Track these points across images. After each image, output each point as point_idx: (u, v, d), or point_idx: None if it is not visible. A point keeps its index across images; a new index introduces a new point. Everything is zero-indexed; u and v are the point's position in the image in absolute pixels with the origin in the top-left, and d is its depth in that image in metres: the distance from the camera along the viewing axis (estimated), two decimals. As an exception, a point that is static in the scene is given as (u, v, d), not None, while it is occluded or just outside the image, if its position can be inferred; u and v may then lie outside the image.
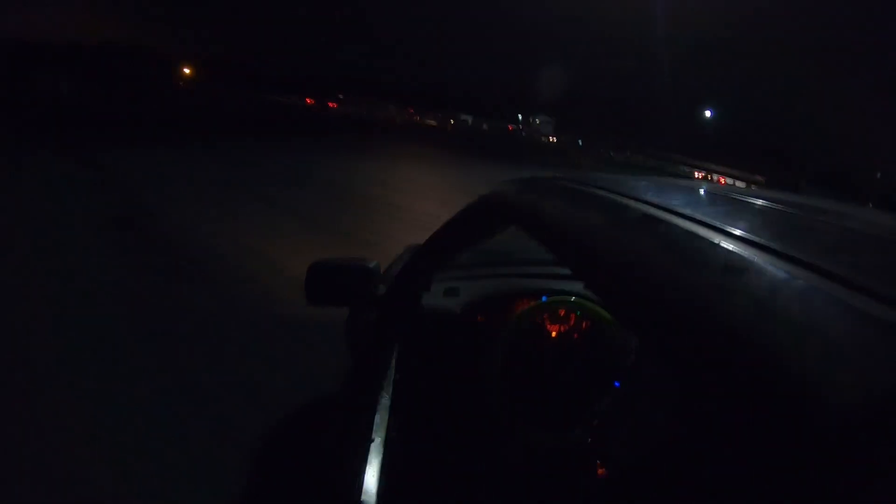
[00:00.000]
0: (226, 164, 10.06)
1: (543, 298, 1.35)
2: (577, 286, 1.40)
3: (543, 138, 51.31)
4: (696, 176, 40.29)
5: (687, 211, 0.92)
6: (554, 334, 1.32)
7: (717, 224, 0.76)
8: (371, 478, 1.16)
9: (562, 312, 1.32)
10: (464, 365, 1.34)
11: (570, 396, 1.19)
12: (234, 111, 30.18)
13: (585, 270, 0.82)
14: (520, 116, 56.25)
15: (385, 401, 1.32)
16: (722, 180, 40.24)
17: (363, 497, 1.17)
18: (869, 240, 0.71)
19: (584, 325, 1.30)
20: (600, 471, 1.10)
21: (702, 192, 1.32)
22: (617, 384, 1.15)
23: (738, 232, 0.69)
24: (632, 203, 0.92)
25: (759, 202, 1.03)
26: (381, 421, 1.26)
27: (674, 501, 0.66)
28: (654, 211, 0.88)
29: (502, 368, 1.26)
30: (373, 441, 1.25)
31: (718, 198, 1.20)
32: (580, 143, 48.75)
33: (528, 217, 1.08)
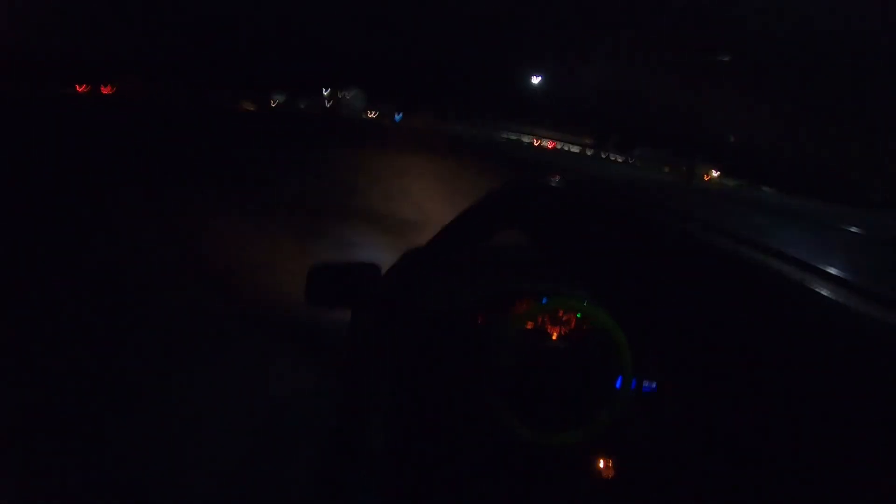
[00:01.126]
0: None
1: (544, 300, 1.39)
2: (578, 288, 1.47)
3: (363, 114, 49.89)
4: (528, 142, 41.68)
5: (697, 214, 0.97)
6: (554, 336, 1.38)
7: (728, 228, 0.83)
8: (371, 477, 1.28)
9: (562, 314, 1.37)
10: (463, 367, 1.39)
11: (570, 398, 1.25)
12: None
13: (590, 274, 0.94)
14: (326, 91, 53.56)
15: (385, 402, 1.45)
16: (551, 144, 43.47)
17: (364, 495, 1.28)
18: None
19: (584, 326, 1.35)
20: (601, 472, 1.17)
21: (712, 194, 1.42)
22: (618, 386, 1.20)
23: (746, 234, 0.78)
24: (638, 207, 1.00)
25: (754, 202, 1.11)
26: (381, 422, 1.39)
27: (675, 502, 0.69)
28: (663, 215, 0.94)
29: (502, 370, 1.31)
30: (374, 441, 1.36)
31: (725, 199, 1.27)
32: (398, 117, 48.41)
33: (530, 219, 1.20)
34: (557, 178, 1.24)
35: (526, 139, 41.36)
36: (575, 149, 41.22)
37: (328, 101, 51.26)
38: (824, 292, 0.60)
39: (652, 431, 1.10)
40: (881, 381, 0.48)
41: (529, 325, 1.36)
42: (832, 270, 0.64)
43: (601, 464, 1.15)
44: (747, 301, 0.63)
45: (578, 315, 1.34)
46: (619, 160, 38.63)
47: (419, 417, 1.35)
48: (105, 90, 49.59)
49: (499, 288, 1.55)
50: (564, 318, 1.36)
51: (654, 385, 1.19)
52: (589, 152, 40.47)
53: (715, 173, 38.47)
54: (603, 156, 39.26)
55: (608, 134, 40.21)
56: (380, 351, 1.59)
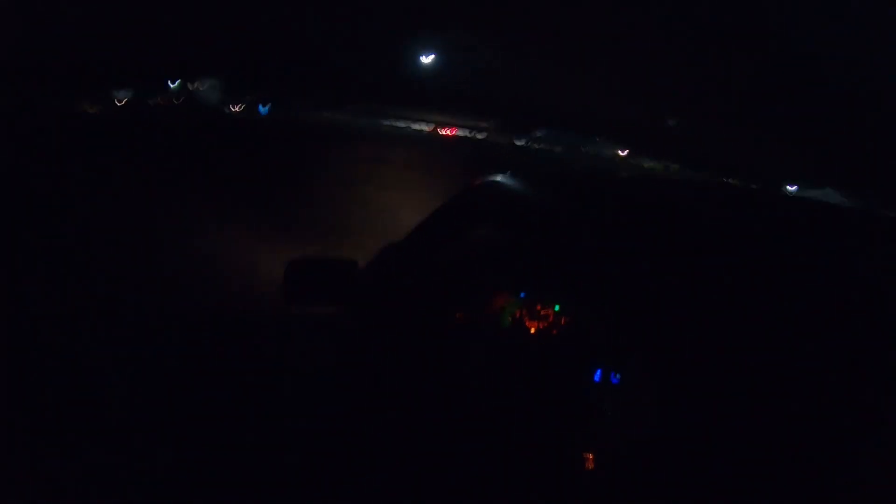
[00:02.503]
0: None
1: (521, 294, 1.36)
2: (556, 281, 1.34)
3: (226, 108, 43.00)
4: (421, 129, 37.35)
5: (673, 204, 1.09)
6: (532, 330, 1.33)
7: (703, 216, 0.91)
8: (357, 475, 1.28)
9: (539, 308, 1.33)
10: (442, 363, 1.38)
11: (550, 391, 1.20)
12: None
13: (567, 267, 0.96)
14: (173, 84, 45.72)
15: (366, 399, 1.45)
16: (451, 131, 39.04)
17: (351, 496, 1.27)
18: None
19: (562, 320, 1.31)
20: (581, 465, 1.10)
21: (686, 186, 1.55)
22: (597, 378, 1.15)
23: (720, 223, 0.86)
24: (613, 200, 1.07)
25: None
26: (365, 419, 1.39)
27: (659, 497, 0.67)
28: (638, 206, 1.02)
29: (482, 365, 1.30)
30: (359, 438, 1.37)
31: (695, 187, 1.41)
32: (263, 109, 41.86)
33: (506, 213, 1.19)
34: (532, 174, 1.31)
35: (418, 126, 37.16)
36: (480, 135, 37.59)
37: (177, 97, 43.75)
38: (805, 282, 0.67)
39: (632, 424, 1.07)
40: (867, 381, 0.53)
41: (508, 320, 1.37)
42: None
43: (580, 457, 1.12)
44: (726, 291, 0.68)
45: (556, 308, 1.32)
46: (520, 143, 35.75)
47: (399, 414, 1.35)
48: None
49: (476, 283, 1.52)
50: (542, 312, 1.34)
51: (635, 378, 1.13)
52: (481, 136, 36.86)
53: (622, 153, 37.05)
54: (505, 141, 36.20)
55: (508, 116, 36.99)
56: (359, 348, 1.67)
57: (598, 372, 1.16)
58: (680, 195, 1.23)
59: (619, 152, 37.30)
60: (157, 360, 3.17)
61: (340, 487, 1.34)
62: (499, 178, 1.44)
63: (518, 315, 1.35)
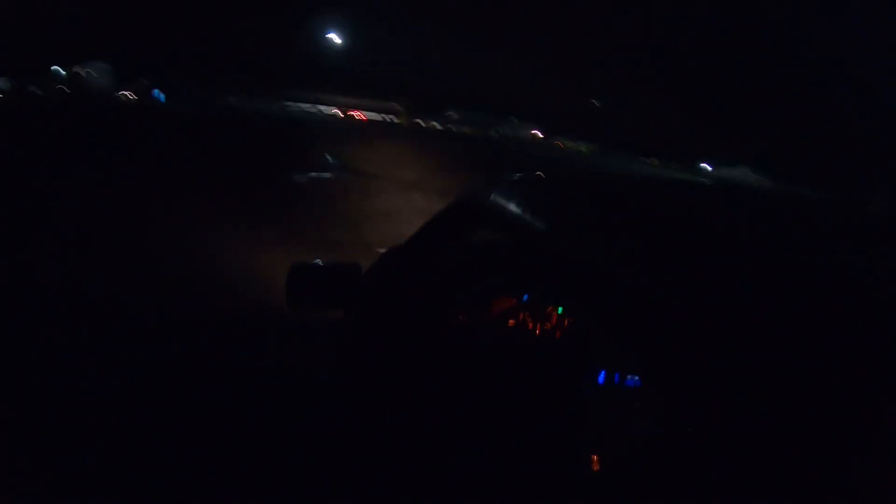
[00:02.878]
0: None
1: (524, 297, 1.40)
2: (559, 283, 1.36)
3: (119, 94, 39.98)
4: (330, 113, 34.77)
5: (666, 206, 1.10)
6: (536, 333, 1.37)
7: (696, 219, 0.95)
8: (359, 478, 1.31)
9: (542, 310, 1.37)
10: (446, 365, 1.39)
11: (553, 394, 1.22)
12: None
13: (570, 269, 0.98)
14: (60, 70, 42.33)
15: (368, 402, 1.46)
16: (357, 114, 37.47)
17: (353, 498, 1.30)
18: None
19: (565, 322, 1.35)
20: (586, 468, 1.12)
21: (677, 186, 1.64)
22: (601, 381, 1.17)
23: (719, 227, 0.90)
24: (619, 202, 1.11)
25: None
26: (367, 422, 1.41)
27: (661, 499, 0.68)
28: (643, 208, 1.04)
29: (484, 368, 1.31)
30: (359, 440, 1.40)
31: (692, 189, 1.44)
32: (160, 96, 39.24)
33: (507, 218, 1.23)
34: (536, 175, 1.35)
35: (327, 109, 35.27)
36: (397, 119, 36.94)
37: (58, 83, 39.48)
38: (810, 286, 0.67)
39: (635, 426, 1.09)
40: (869, 379, 0.53)
41: (511, 323, 1.39)
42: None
43: (583, 459, 1.13)
44: (734, 295, 0.68)
45: (560, 311, 1.35)
46: (439, 127, 35.63)
47: (401, 417, 1.37)
48: None
49: (478, 286, 1.56)
50: (545, 315, 1.38)
51: (636, 380, 1.16)
52: (398, 119, 36.34)
53: (539, 134, 37.50)
54: (420, 123, 35.76)
55: (419, 98, 36.64)
56: (363, 352, 1.65)
57: (602, 374, 1.19)
58: (683, 197, 1.28)
59: (537, 133, 37.73)
60: (160, 362, 3.22)
61: (342, 490, 1.38)
62: (502, 179, 1.47)
63: (521, 318, 1.39)
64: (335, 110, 35.05)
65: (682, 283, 0.73)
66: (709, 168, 39.18)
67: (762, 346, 0.59)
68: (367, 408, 1.48)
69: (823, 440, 0.49)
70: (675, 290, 0.71)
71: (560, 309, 1.34)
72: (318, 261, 1.82)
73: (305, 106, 35.62)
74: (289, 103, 35.17)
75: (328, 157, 12.29)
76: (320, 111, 35.14)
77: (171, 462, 2.22)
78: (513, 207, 1.22)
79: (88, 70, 46.60)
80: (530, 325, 1.38)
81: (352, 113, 34.81)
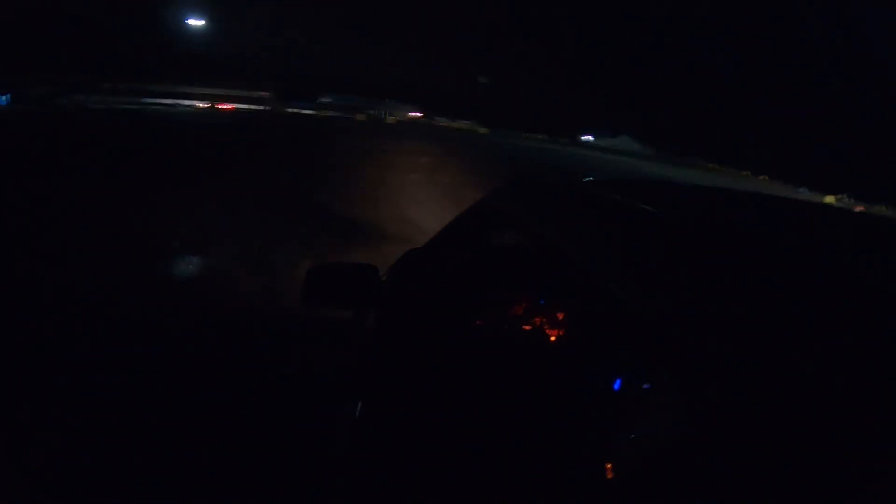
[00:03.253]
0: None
1: (542, 301, 1.37)
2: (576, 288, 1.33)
3: None
4: (191, 106, 30.45)
5: (688, 212, 1.08)
6: (553, 338, 1.34)
7: (719, 223, 0.93)
8: (372, 477, 1.28)
9: (559, 315, 1.35)
10: (462, 367, 1.35)
11: (568, 399, 1.21)
12: None
13: (588, 273, 0.94)
14: None
15: (384, 402, 1.43)
16: (224, 105, 33.25)
17: (366, 497, 1.28)
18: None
19: (582, 326, 1.32)
20: (601, 474, 1.10)
21: (703, 191, 1.56)
22: (617, 387, 1.14)
23: (741, 229, 0.88)
24: (636, 205, 1.06)
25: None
26: (381, 422, 1.38)
27: (678, 500, 0.70)
28: (660, 212, 1.00)
29: (500, 371, 1.29)
30: (374, 440, 1.36)
31: (716, 195, 1.37)
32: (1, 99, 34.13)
33: (529, 219, 1.21)
34: (553, 179, 1.37)
35: (190, 103, 30.94)
36: (265, 106, 33.61)
37: None
38: (820, 288, 0.66)
39: (651, 433, 1.06)
40: (878, 383, 0.54)
41: (527, 327, 1.36)
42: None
43: (599, 465, 1.11)
44: (747, 299, 0.68)
45: (575, 314, 1.33)
46: (307, 112, 32.62)
47: (416, 418, 1.34)
48: None
49: (496, 289, 1.52)
50: (562, 319, 1.34)
51: (652, 384, 1.12)
52: (267, 107, 32.99)
53: (416, 114, 36.02)
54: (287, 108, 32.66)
55: (291, 84, 33.69)
56: (380, 352, 1.63)
57: (618, 381, 1.16)
58: (685, 200, 1.27)
59: (415, 113, 36.39)
60: (178, 362, 3.24)
61: (356, 489, 1.33)
62: (519, 183, 1.46)
63: (537, 321, 1.36)
64: (199, 103, 31.33)
65: (691, 287, 0.74)
66: (591, 139, 39.37)
67: (772, 348, 0.60)
68: (383, 408, 1.43)
69: (832, 441, 0.51)
70: (684, 294, 0.72)
71: (574, 312, 1.32)
72: (335, 262, 1.86)
73: (166, 101, 30.87)
74: (147, 100, 30.95)
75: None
76: (182, 105, 30.99)
77: (171, 462, 2.35)
78: (530, 212, 1.24)
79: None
80: (545, 328, 1.35)
81: (219, 105, 31.25)
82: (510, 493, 1.13)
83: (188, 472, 2.38)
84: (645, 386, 1.12)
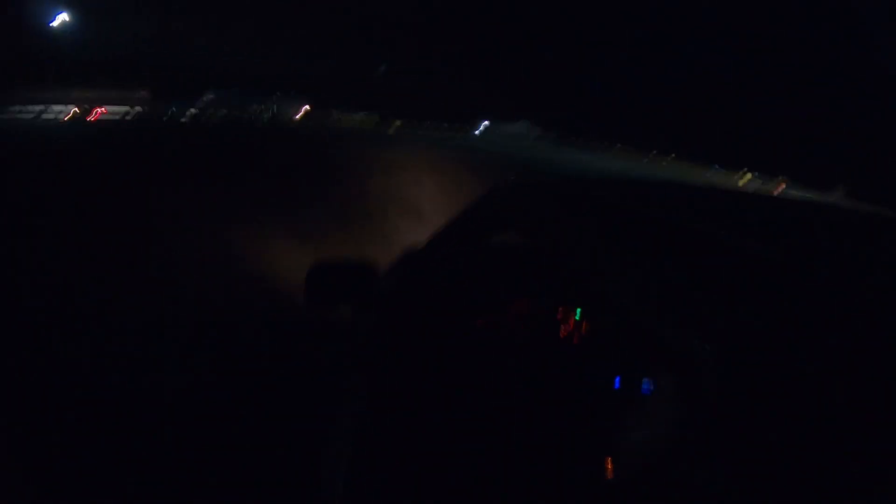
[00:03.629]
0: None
1: (542, 300, 1.39)
2: (578, 287, 1.34)
3: None
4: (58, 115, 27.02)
5: (689, 213, 1.09)
6: (553, 337, 1.34)
7: (723, 226, 0.92)
8: (374, 477, 1.29)
9: (560, 314, 1.34)
10: (463, 368, 1.36)
11: (569, 397, 1.21)
12: None
13: (588, 273, 0.97)
14: None
15: (384, 402, 1.44)
16: (96, 111, 29.60)
17: (365, 495, 1.29)
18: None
19: (583, 326, 1.31)
20: (601, 472, 1.11)
21: (703, 191, 1.58)
22: (617, 385, 1.17)
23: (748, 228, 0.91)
24: (635, 205, 1.10)
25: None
26: (381, 422, 1.40)
27: (678, 500, 0.70)
28: (660, 212, 1.03)
29: (502, 370, 1.31)
30: (375, 440, 1.38)
31: (717, 195, 1.40)
32: None
33: (531, 217, 1.22)
34: (552, 178, 1.40)
35: (53, 110, 26.91)
36: (139, 108, 30.37)
37: None
38: (827, 287, 0.68)
39: (651, 432, 1.08)
40: (880, 381, 0.54)
41: (528, 326, 1.39)
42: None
43: (599, 463, 1.12)
44: (749, 297, 0.68)
45: (577, 315, 1.33)
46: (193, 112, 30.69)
47: (416, 418, 1.35)
48: None
49: (497, 288, 1.54)
50: (563, 318, 1.35)
51: (653, 385, 1.14)
52: (141, 109, 30.09)
53: (306, 108, 34.69)
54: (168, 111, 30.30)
55: (171, 81, 31.52)
56: (380, 351, 1.64)
57: (618, 379, 1.16)
58: (686, 200, 1.28)
59: (305, 107, 35.02)
60: (180, 362, 3.27)
61: (356, 489, 1.35)
62: (521, 182, 1.47)
63: (539, 321, 1.37)
64: (69, 108, 28.07)
65: (691, 287, 0.73)
66: (487, 124, 40.21)
67: (772, 348, 0.60)
68: (383, 409, 1.43)
69: (832, 441, 0.51)
70: (685, 294, 0.72)
71: (577, 312, 1.32)
72: (337, 259, 1.88)
73: (31, 109, 26.53)
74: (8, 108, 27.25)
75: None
76: (40, 116, 26.59)
77: (172, 462, 2.36)
78: (530, 212, 1.25)
79: None
80: (546, 328, 1.35)
81: (90, 110, 28.24)
82: (511, 493, 1.14)
83: (188, 472, 2.41)
84: (645, 386, 1.14)
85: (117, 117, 29.01)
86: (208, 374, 3.29)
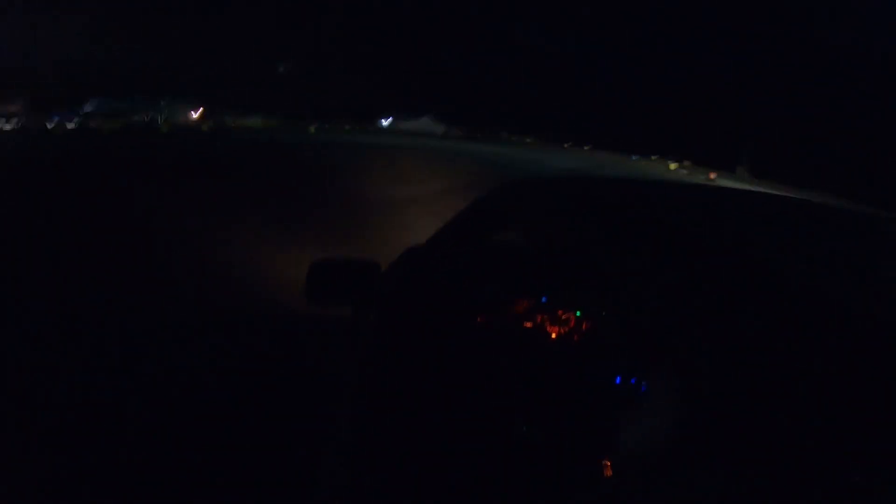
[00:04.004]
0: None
1: (543, 299, 1.39)
2: (578, 286, 1.39)
3: None
4: None
5: (689, 212, 1.09)
6: (554, 335, 1.36)
7: (721, 222, 0.95)
8: (374, 476, 1.30)
9: (561, 313, 1.36)
10: (463, 366, 1.38)
11: (569, 397, 1.22)
12: None
13: (588, 272, 0.99)
14: None
15: (385, 400, 1.46)
16: None
17: (367, 497, 1.30)
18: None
19: (584, 325, 1.34)
20: (600, 472, 1.12)
21: (704, 191, 1.60)
22: (616, 384, 1.18)
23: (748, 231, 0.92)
24: (635, 205, 1.10)
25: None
26: (383, 420, 1.41)
27: (676, 500, 0.71)
28: (660, 212, 1.04)
29: (501, 369, 1.31)
30: (375, 439, 1.38)
31: (717, 195, 1.41)
32: None
33: (527, 218, 1.22)
34: (553, 178, 1.39)
35: None
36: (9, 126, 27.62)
37: None
38: (826, 290, 0.69)
39: (651, 431, 1.08)
40: (880, 382, 0.55)
41: (528, 325, 1.39)
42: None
43: (598, 463, 1.13)
44: (746, 299, 0.69)
45: (578, 314, 1.35)
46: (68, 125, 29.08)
47: (416, 416, 1.36)
48: None
49: (497, 287, 1.55)
50: (564, 317, 1.37)
51: (652, 385, 1.15)
52: (10, 126, 28.39)
53: (195, 114, 32.51)
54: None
55: (50, 90, 29.83)
56: (380, 349, 1.66)
57: (618, 378, 1.18)
58: (687, 200, 1.31)
59: (193, 113, 32.60)
60: (181, 361, 3.29)
61: (356, 489, 1.36)
62: (521, 182, 1.49)
63: (539, 320, 1.38)
64: None
65: (691, 286, 0.74)
66: (389, 120, 40.27)
67: (772, 348, 0.61)
68: (384, 407, 1.45)
69: (832, 441, 0.52)
70: (697, 296, 0.72)
71: (578, 312, 1.34)
72: (338, 257, 1.88)
73: None
74: None
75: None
76: None
77: (172, 462, 2.39)
78: (530, 212, 1.25)
79: None
80: (548, 327, 1.37)
81: None
82: (510, 492, 1.15)
83: (188, 472, 2.45)
84: (644, 386, 1.15)
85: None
86: (208, 374, 3.33)
